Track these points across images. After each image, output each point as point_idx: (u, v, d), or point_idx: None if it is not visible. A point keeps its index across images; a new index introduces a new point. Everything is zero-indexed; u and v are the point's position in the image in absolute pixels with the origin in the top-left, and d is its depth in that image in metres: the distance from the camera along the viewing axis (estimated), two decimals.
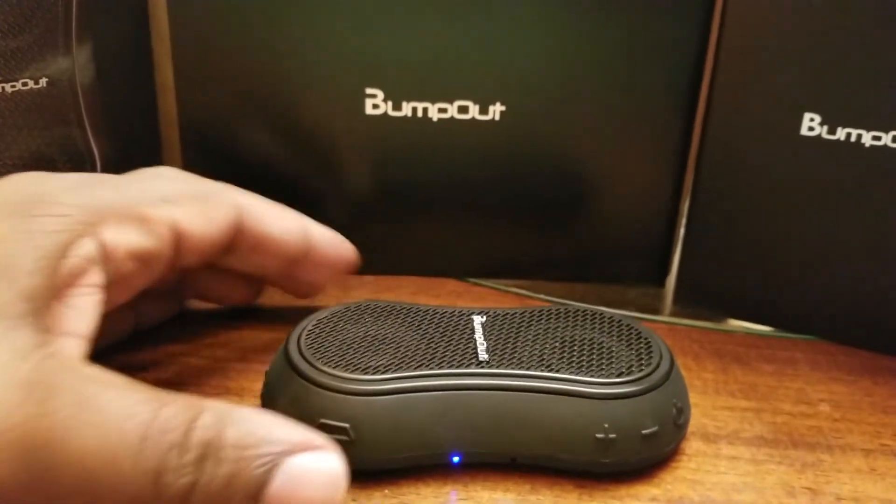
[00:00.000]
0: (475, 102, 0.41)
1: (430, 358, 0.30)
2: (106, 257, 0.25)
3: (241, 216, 0.31)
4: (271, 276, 0.35)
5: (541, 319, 0.34)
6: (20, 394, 0.19)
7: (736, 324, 0.41)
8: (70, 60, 0.37)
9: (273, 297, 0.42)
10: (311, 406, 0.29)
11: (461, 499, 0.29)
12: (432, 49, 0.40)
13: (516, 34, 0.39)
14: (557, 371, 0.30)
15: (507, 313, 0.34)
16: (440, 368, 0.30)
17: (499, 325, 0.33)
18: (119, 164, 0.40)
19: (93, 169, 0.39)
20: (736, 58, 0.37)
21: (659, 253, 0.44)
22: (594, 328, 0.33)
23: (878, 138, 0.35)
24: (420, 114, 0.41)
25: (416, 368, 0.30)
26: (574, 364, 0.30)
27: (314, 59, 0.40)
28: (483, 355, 0.31)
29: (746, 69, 0.37)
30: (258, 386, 0.33)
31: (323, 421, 0.28)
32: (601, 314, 0.34)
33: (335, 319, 0.33)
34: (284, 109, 0.41)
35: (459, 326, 0.33)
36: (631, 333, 0.33)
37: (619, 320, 0.34)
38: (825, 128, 0.36)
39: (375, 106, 0.41)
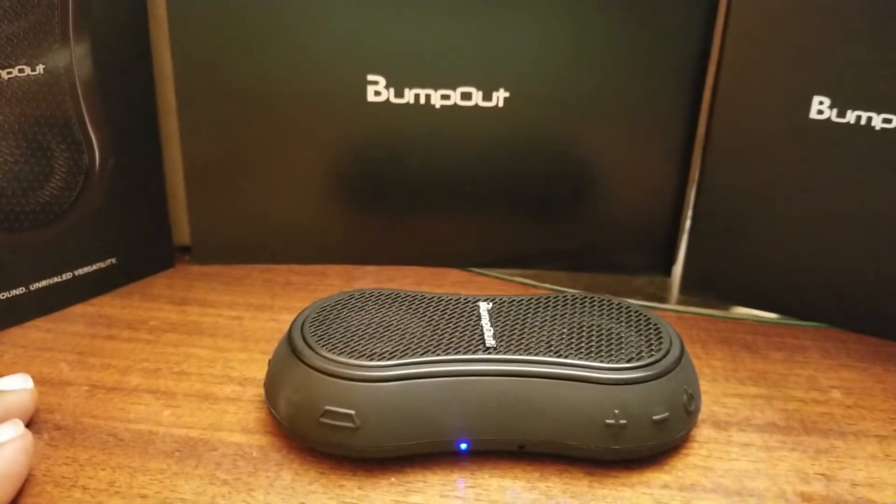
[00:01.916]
0: (478, 89, 0.40)
1: (436, 344, 0.30)
2: None
3: None
4: None
5: (548, 306, 0.33)
6: None
7: (744, 311, 0.41)
8: (67, 48, 0.36)
9: (274, 288, 0.42)
10: (315, 393, 0.28)
11: (469, 486, 0.28)
12: (435, 35, 0.39)
13: (520, 19, 0.39)
14: (566, 357, 0.29)
15: (514, 300, 0.33)
16: (447, 354, 0.29)
17: (505, 312, 0.32)
18: (117, 153, 0.39)
19: (91, 157, 0.38)
20: (742, 41, 0.37)
21: (665, 241, 0.44)
22: (602, 314, 0.33)
23: (889, 121, 0.35)
24: (423, 101, 0.40)
25: (422, 355, 0.29)
26: (583, 350, 0.30)
27: (314, 45, 0.39)
28: (490, 341, 0.30)
29: (753, 53, 0.37)
30: (261, 375, 0.33)
31: (328, 408, 0.28)
32: (609, 301, 0.34)
33: (339, 307, 0.32)
34: (285, 96, 0.40)
35: (465, 313, 0.32)
36: (640, 319, 0.32)
37: (628, 307, 0.33)
38: (834, 111, 0.36)
39: (377, 93, 0.40)
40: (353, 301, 0.33)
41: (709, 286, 0.42)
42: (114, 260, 0.40)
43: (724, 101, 0.38)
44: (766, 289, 0.40)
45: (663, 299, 0.42)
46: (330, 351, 0.29)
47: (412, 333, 0.31)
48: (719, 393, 0.34)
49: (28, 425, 0.30)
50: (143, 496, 0.27)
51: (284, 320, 0.38)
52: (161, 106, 0.41)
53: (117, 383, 0.33)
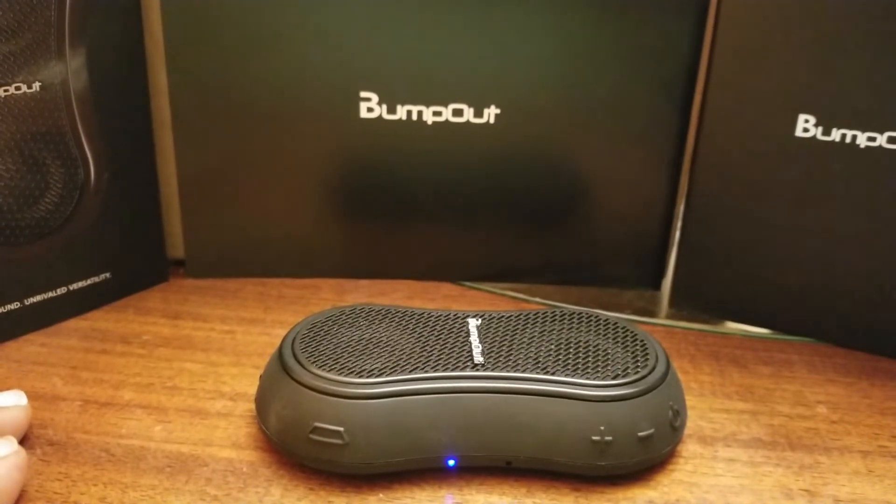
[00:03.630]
0: (470, 105, 0.40)
1: (424, 361, 0.30)
2: None
3: None
4: None
5: (536, 322, 0.33)
6: None
7: (732, 326, 0.41)
8: (63, 65, 0.36)
9: (267, 302, 0.42)
10: (304, 409, 0.29)
11: (457, 503, 0.29)
12: (427, 52, 0.40)
13: (511, 37, 0.39)
14: (553, 373, 0.30)
15: (503, 316, 0.34)
16: (435, 371, 0.30)
17: (494, 328, 0.33)
18: (112, 168, 0.39)
19: (86, 172, 0.39)
20: (730, 60, 0.37)
21: (654, 256, 0.44)
22: (590, 331, 0.33)
23: (873, 139, 0.35)
24: (415, 117, 0.41)
25: (410, 371, 0.30)
26: (570, 366, 0.30)
27: (308, 62, 0.40)
28: (478, 358, 0.31)
29: (740, 71, 0.37)
30: (252, 390, 0.33)
31: (317, 424, 0.28)
32: (597, 316, 0.34)
33: (329, 323, 0.33)
34: (279, 111, 0.41)
35: (454, 329, 0.33)
36: (627, 336, 0.33)
37: (615, 322, 0.34)
38: (820, 129, 0.36)
39: (370, 109, 0.40)
40: (343, 317, 0.33)
41: (698, 300, 0.42)
42: (108, 274, 0.41)
43: (712, 117, 0.39)
44: (755, 303, 0.41)
45: (653, 313, 0.43)
46: (320, 368, 0.29)
47: (401, 350, 0.31)
48: (706, 408, 0.34)
49: (21, 441, 0.30)
50: None
51: (277, 334, 0.38)
52: (155, 120, 0.41)
53: (110, 398, 0.34)
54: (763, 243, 0.39)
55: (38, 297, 0.38)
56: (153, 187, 0.42)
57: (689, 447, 0.32)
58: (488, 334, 0.32)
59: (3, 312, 0.37)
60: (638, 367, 0.31)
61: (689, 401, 0.34)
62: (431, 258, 0.44)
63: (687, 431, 0.32)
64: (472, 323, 0.33)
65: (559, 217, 0.43)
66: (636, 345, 0.32)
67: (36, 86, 0.36)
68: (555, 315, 0.34)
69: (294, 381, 0.29)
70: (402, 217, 0.43)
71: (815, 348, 0.39)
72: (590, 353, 0.31)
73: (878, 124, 0.35)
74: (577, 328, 0.33)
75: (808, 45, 0.35)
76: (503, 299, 0.43)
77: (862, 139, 0.35)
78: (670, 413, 0.30)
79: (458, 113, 0.41)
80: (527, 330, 0.33)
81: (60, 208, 0.38)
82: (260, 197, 0.43)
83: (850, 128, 0.35)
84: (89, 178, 0.39)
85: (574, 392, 0.29)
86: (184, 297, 0.42)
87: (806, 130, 0.36)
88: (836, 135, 0.36)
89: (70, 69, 0.37)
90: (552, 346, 0.32)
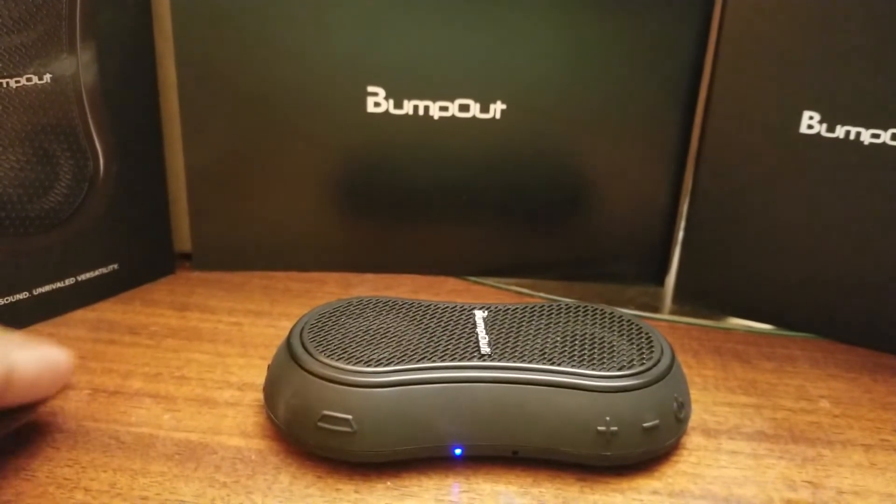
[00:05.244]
0: (476, 101, 0.41)
1: (432, 351, 0.31)
2: None
3: None
4: None
5: (542, 315, 0.34)
6: None
7: (735, 322, 0.42)
8: (74, 57, 0.37)
9: (273, 295, 0.42)
10: (313, 398, 0.29)
11: (463, 491, 0.29)
12: (434, 47, 0.40)
13: (517, 33, 0.40)
14: (559, 364, 0.30)
15: (509, 308, 0.34)
16: (442, 361, 0.30)
17: (500, 320, 0.33)
18: (121, 160, 0.40)
19: (95, 164, 0.39)
20: (735, 57, 0.38)
21: (658, 252, 0.44)
22: (595, 323, 0.33)
23: (877, 136, 0.36)
24: (421, 112, 0.41)
25: (418, 361, 0.30)
26: (576, 358, 0.31)
27: (316, 57, 0.40)
28: (485, 349, 0.31)
29: (745, 68, 0.38)
30: (260, 380, 0.33)
31: (325, 412, 0.29)
32: (602, 310, 0.34)
33: (337, 313, 0.33)
34: (286, 106, 0.41)
35: (461, 321, 0.33)
36: (632, 329, 0.33)
37: (620, 316, 0.34)
38: (824, 126, 0.36)
39: (377, 104, 0.41)
40: (350, 308, 0.33)
41: (701, 296, 0.42)
42: (116, 265, 0.41)
43: (717, 114, 0.39)
44: (757, 299, 0.41)
45: (656, 309, 0.43)
46: (328, 357, 0.30)
47: (409, 340, 0.31)
48: (709, 401, 0.35)
49: (33, 425, 0.30)
50: (144, 498, 0.28)
51: (283, 326, 0.39)
52: (164, 114, 0.42)
53: (118, 387, 0.34)
54: (766, 240, 0.40)
55: (47, 288, 0.38)
56: (161, 180, 0.42)
57: (693, 439, 0.32)
58: (495, 326, 0.32)
59: (11, 302, 0.37)
60: (643, 359, 0.31)
61: (693, 395, 0.34)
62: (436, 253, 0.45)
63: (691, 424, 0.33)
64: (479, 315, 0.33)
65: (564, 213, 0.43)
66: (641, 338, 0.32)
67: (47, 78, 0.36)
68: (560, 308, 0.34)
69: (303, 370, 0.29)
70: (407, 211, 0.44)
71: (818, 344, 0.40)
72: (595, 345, 0.32)
73: (883, 121, 0.35)
74: (583, 321, 0.33)
75: (813, 42, 0.36)
76: (508, 294, 0.44)
77: (866, 136, 0.36)
78: (675, 405, 0.30)
79: (464, 108, 0.41)
80: (533, 322, 0.33)
81: (69, 200, 0.38)
82: (266, 191, 0.43)
83: (855, 125, 0.36)
84: (98, 171, 0.39)
85: (580, 383, 0.29)
86: (190, 289, 0.42)
87: (810, 127, 0.37)
88: (840, 132, 0.36)
89: (80, 62, 0.37)
90: (558, 338, 0.32)
